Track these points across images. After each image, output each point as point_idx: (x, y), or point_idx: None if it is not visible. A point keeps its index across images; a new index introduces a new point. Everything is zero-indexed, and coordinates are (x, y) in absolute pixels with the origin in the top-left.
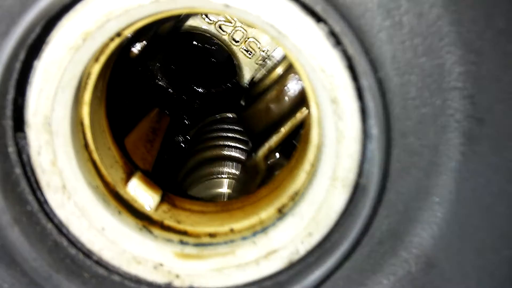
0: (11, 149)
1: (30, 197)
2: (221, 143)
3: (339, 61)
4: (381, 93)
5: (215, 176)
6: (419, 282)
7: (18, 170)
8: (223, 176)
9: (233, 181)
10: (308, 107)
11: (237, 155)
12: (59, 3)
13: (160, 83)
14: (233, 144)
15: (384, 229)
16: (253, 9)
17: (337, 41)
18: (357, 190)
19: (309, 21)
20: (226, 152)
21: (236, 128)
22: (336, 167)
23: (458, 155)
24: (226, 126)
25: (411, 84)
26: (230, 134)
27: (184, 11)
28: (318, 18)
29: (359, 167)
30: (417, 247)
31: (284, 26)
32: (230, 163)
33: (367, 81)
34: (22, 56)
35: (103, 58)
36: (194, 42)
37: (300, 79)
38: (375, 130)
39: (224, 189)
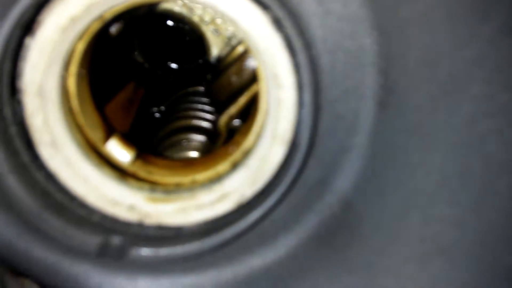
0: (7, 110)
1: (23, 151)
2: (191, 113)
3: (280, 43)
4: (313, 68)
5: (185, 142)
6: (340, 220)
7: (13, 129)
8: (192, 142)
9: (200, 146)
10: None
11: (204, 124)
12: None
13: (137, 59)
14: (201, 114)
15: (313, 177)
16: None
17: (279, 26)
18: (292, 147)
19: (256, 8)
20: (194, 122)
21: (203, 100)
22: (276, 128)
23: (373, 118)
24: (195, 99)
25: (337, 61)
26: (199, 106)
27: None
28: (264, 6)
29: (294, 128)
30: (340, 192)
31: (236, 13)
32: (198, 131)
33: (302, 58)
34: (17, 33)
35: (87, 37)
36: (169, 22)
37: None
38: (307, 98)
39: (193, 153)
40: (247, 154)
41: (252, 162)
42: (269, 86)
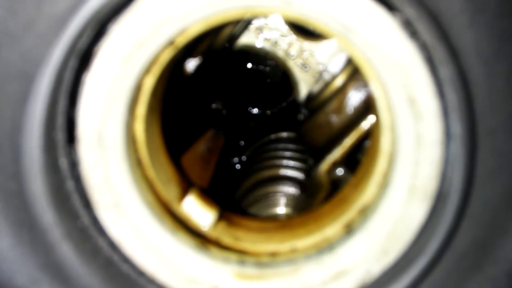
0: (63, 161)
1: (81, 212)
2: (277, 162)
3: (417, 53)
4: (463, 85)
5: (272, 196)
6: None
7: (69, 184)
8: (280, 195)
9: (291, 201)
10: (375, 114)
11: (294, 174)
12: (109, 8)
13: (214, 104)
14: (289, 163)
15: (467, 242)
16: (315, 2)
17: (413, 32)
18: (438, 201)
19: (380, 10)
20: (283, 172)
21: (292, 147)
22: (414, 176)
23: None
24: (281, 146)
25: (497, 74)
26: (286, 153)
27: (240, 12)
28: (390, 6)
29: (442, 174)
30: (507, 261)
31: (351, 18)
32: (288, 182)
33: (447, 73)
34: (72, 64)
35: (156, 70)
36: (249, 65)
37: (362, 86)
38: (458, 128)
39: (282, 209)
40: (366, 212)
41: (378, 225)
42: (398, 118)
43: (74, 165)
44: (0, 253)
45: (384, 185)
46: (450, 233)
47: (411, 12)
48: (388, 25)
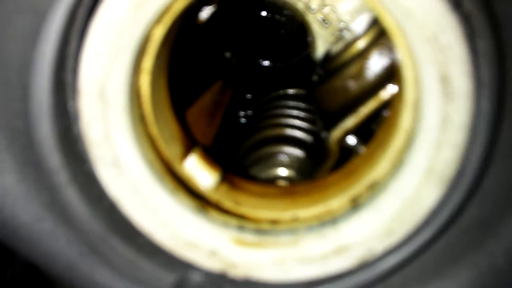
0: (72, 105)
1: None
2: (284, 121)
3: (458, 28)
4: (499, 60)
5: (275, 157)
6: (506, 278)
7: (77, 128)
8: (284, 157)
9: (295, 163)
10: (399, 85)
11: (301, 135)
12: None
13: (224, 53)
14: (297, 123)
15: (473, 219)
16: None
17: (458, 3)
18: (453, 184)
19: None
20: (289, 131)
21: (302, 106)
22: (433, 158)
23: None
24: (291, 103)
25: None
26: (295, 112)
27: None
28: None
29: (462, 158)
30: (508, 239)
31: None
32: (293, 143)
33: (484, 46)
34: (86, 1)
35: (167, 20)
36: (263, 13)
37: (388, 53)
38: (486, 106)
39: (285, 171)
40: (376, 189)
41: (387, 203)
42: (425, 95)
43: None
44: (5, 188)
45: (398, 163)
46: (457, 211)
47: None
48: None
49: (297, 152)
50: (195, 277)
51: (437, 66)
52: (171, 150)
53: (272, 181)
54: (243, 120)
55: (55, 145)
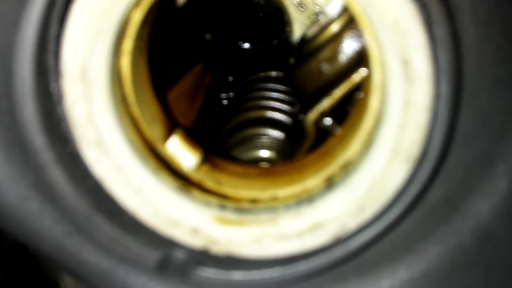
0: (54, 87)
1: (71, 138)
2: (265, 103)
3: (416, 15)
4: (456, 46)
5: (257, 138)
6: (472, 254)
7: (61, 109)
8: (265, 139)
9: (276, 144)
10: (368, 68)
11: (281, 117)
12: None
13: (205, 36)
14: (277, 105)
15: (439, 197)
16: None
17: None
18: (418, 163)
19: None
20: (269, 114)
21: (281, 88)
22: (399, 139)
23: None
24: (270, 86)
25: (490, 37)
26: (274, 94)
27: None
28: None
29: (426, 139)
30: (474, 217)
31: None
32: (274, 125)
33: (442, 33)
34: None
35: (145, 3)
36: None
37: (360, 37)
38: (445, 89)
39: (266, 152)
40: (348, 168)
41: (358, 182)
42: (389, 78)
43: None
44: None
45: (368, 143)
46: (423, 189)
47: None
48: None
49: (277, 134)
50: (179, 255)
51: (398, 50)
52: (153, 131)
53: (253, 162)
54: (224, 102)
55: (39, 126)
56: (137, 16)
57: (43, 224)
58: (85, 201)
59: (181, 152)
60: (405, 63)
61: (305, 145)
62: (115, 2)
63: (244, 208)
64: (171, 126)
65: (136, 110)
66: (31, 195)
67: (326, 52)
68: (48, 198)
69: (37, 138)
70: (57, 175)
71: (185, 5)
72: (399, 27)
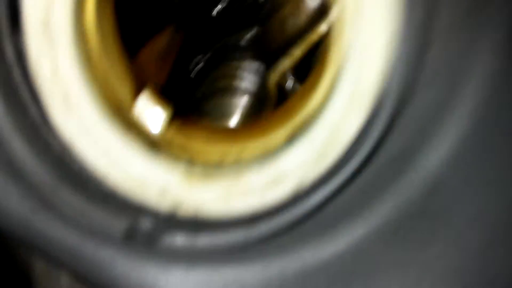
0: (9, 50)
1: (31, 105)
2: (233, 72)
3: None
4: None
5: (226, 107)
6: (422, 205)
7: (17, 76)
8: (234, 105)
9: (244, 111)
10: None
11: (247, 84)
12: None
13: None
14: (244, 74)
15: (395, 149)
16: None
17: None
18: (376, 109)
19: None
20: (237, 82)
21: (249, 54)
22: (357, 82)
23: (496, 60)
24: (237, 54)
25: None
26: (242, 64)
27: None
28: None
29: (383, 80)
30: (425, 169)
31: None
32: (241, 92)
33: None
34: None
35: None
36: None
37: None
38: (409, 31)
39: (235, 120)
40: (308, 122)
41: (317, 134)
42: (350, 19)
43: (21, 53)
44: None
45: (328, 94)
46: (380, 139)
47: None
48: None
49: (243, 100)
50: (146, 223)
51: None
52: (121, 90)
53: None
54: (198, 66)
55: None
56: None
57: (9, 202)
58: (50, 173)
59: (150, 110)
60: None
61: (268, 106)
62: None
63: (211, 166)
64: (141, 85)
65: (103, 68)
66: None
67: (288, 7)
68: (12, 173)
69: None
70: (17, 146)
71: None
72: None
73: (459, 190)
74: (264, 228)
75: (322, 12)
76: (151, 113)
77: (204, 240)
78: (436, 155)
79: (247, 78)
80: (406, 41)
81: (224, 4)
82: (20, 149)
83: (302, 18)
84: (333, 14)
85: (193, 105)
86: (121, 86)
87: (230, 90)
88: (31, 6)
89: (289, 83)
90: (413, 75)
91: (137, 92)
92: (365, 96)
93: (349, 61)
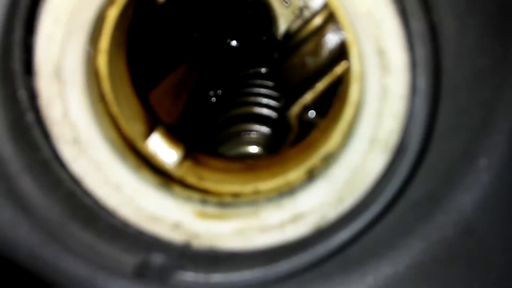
0: (22, 93)
1: (43, 145)
2: (253, 100)
3: (390, 5)
4: (433, 39)
5: (244, 134)
6: (456, 248)
7: (29, 117)
8: (253, 134)
9: (262, 139)
10: (348, 60)
11: (267, 112)
12: None
13: (191, 34)
14: (265, 101)
15: (421, 192)
16: None
17: None
18: (398, 153)
19: None
20: (257, 110)
21: (267, 84)
22: (376, 128)
23: None
24: (257, 82)
25: (469, 29)
26: (261, 90)
27: None
28: None
29: (403, 128)
30: (457, 212)
31: None
32: (260, 121)
33: (418, 25)
34: None
35: (120, 1)
36: None
37: (340, 29)
38: (423, 83)
39: (254, 148)
40: (329, 160)
41: (338, 173)
42: (367, 68)
43: (33, 97)
44: None
45: (348, 134)
46: (405, 183)
47: None
48: None
49: (263, 129)
50: (157, 259)
51: (374, 40)
52: (133, 128)
53: (241, 158)
54: (213, 100)
55: (8, 134)
56: (113, 14)
57: (18, 234)
58: (58, 209)
59: (163, 148)
60: (381, 53)
61: (289, 139)
62: (88, 0)
63: (226, 202)
64: (153, 123)
65: (115, 108)
66: (3, 205)
67: (309, 46)
68: (21, 207)
69: (6, 146)
70: (27, 183)
71: (167, 2)
72: (373, 17)
73: (495, 231)
74: (283, 267)
75: (343, 49)
76: (163, 151)
77: (219, 277)
78: (467, 198)
79: (268, 106)
80: (425, 91)
81: (240, 39)
82: (29, 185)
83: (322, 56)
84: (352, 53)
85: (212, 134)
86: (133, 125)
87: (249, 117)
88: (44, 51)
89: (310, 116)
90: (435, 119)
91: (149, 130)
92: (386, 139)
93: (368, 101)
